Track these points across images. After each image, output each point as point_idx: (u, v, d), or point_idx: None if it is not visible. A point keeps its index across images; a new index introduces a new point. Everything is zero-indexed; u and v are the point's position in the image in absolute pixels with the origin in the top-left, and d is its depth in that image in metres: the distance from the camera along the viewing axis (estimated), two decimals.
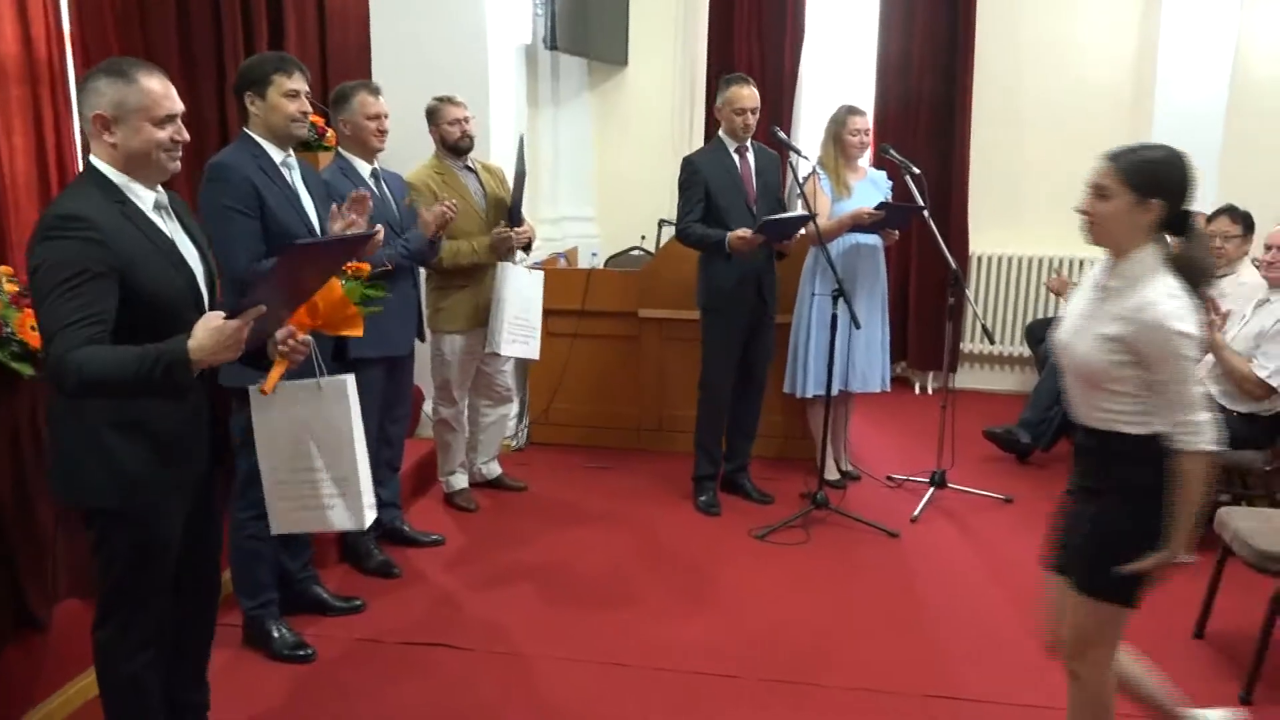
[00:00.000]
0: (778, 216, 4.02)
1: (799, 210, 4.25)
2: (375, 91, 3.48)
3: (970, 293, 6.14)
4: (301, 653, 3.10)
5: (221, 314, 1.94)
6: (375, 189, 3.51)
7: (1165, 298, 2.03)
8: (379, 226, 2.92)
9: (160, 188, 2.15)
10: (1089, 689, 2.29)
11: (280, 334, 2.25)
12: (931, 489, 4.47)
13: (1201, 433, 2.03)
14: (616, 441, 5.16)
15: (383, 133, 3.49)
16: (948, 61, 6.07)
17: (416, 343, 3.78)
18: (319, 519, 2.55)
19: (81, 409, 2.07)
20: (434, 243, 3.61)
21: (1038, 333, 5.51)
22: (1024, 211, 6.23)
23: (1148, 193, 2.06)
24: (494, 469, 4.56)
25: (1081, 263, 6.02)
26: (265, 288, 2.00)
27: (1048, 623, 2.38)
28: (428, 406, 4.73)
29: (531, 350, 4.11)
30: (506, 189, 4.12)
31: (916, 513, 4.30)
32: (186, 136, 2.14)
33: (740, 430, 4.49)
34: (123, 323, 1.96)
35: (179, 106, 2.11)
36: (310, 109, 2.97)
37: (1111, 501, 2.16)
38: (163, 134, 2.07)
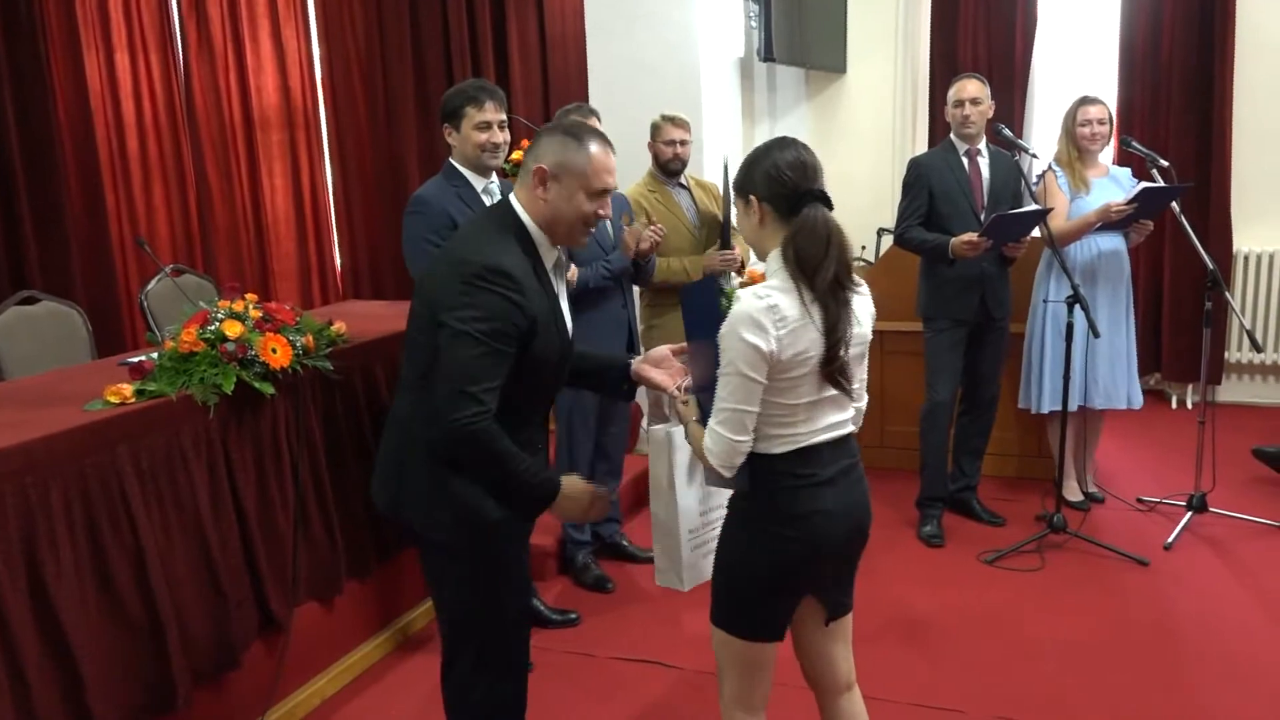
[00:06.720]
0: (1007, 213, 3.77)
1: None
2: (585, 116, 3.54)
3: (1235, 296, 5.54)
4: None
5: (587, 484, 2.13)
6: None
7: (747, 295, 1.87)
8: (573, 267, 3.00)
9: (558, 247, 2.12)
10: None
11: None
12: (1189, 513, 4.03)
13: (711, 453, 1.91)
14: None
15: None
16: (1203, 37, 5.46)
17: None
18: None
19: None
20: (642, 264, 3.63)
21: None
22: None
23: (743, 193, 1.99)
24: None
25: None
26: None
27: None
28: (646, 423, 4.78)
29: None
30: (720, 206, 4.10)
31: (1170, 539, 3.89)
32: (608, 213, 2.10)
33: (967, 448, 4.23)
34: None
35: (613, 184, 2.07)
36: (504, 138, 3.03)
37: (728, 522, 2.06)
38: (589, 207, 2.03)
